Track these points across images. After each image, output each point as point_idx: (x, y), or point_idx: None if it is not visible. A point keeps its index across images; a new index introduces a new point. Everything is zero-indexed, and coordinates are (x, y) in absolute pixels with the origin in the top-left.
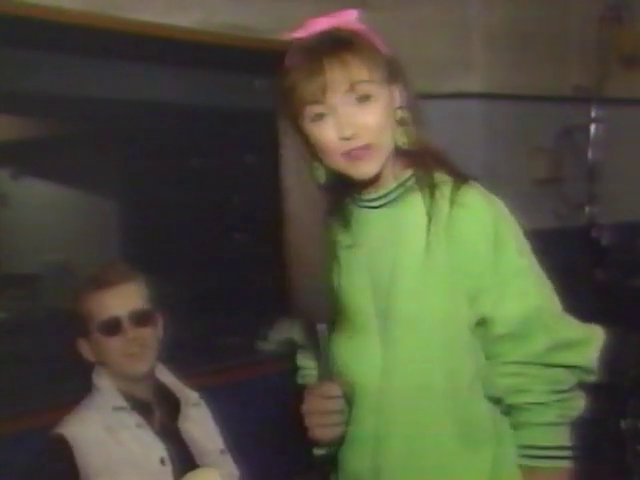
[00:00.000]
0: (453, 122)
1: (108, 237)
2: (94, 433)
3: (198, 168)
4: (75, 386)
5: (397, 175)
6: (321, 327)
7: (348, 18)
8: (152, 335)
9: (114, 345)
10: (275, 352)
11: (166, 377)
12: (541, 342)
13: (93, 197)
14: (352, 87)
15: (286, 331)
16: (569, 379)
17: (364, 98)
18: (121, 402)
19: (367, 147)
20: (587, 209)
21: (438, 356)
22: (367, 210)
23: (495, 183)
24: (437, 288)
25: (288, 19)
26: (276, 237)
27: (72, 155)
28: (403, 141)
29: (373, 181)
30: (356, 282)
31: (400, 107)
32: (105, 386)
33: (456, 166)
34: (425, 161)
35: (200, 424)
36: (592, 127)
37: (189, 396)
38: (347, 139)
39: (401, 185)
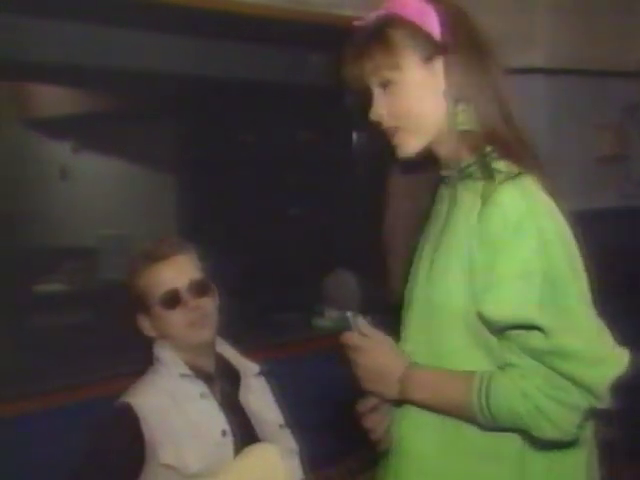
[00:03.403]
0: (516, 98)
1: (165, 211)
2: (159, 403)
3: (253, 143)
4: (134, 357)
5: (463, 157)
6: (349, 314)
7: (405, 1)
8: (211, 304)
9: (176, 317)
10: (331, 328)
11: (225, 350)
12: (538, 342)
13: (151, 171)
14: (375, 73)
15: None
16: (574, 394)
17: (387, 83)
18: (186, 370)
19: (396, 130)
20: None
21: (435, 341)
22: (442, 187)
23: (558, 161)
24: (454, 277)
25: None
26: (331, 212)
27: (132, 129)
28: (460, 122)
29: (443, 159)
30: (417, 258)
31: (453, 86)
32: (169, 356)
33: (525, 154)
34: (482, 150)
35: (260, 396)
36: None
37: (249, 368)
38: (378, 122)
39: (460, 170)
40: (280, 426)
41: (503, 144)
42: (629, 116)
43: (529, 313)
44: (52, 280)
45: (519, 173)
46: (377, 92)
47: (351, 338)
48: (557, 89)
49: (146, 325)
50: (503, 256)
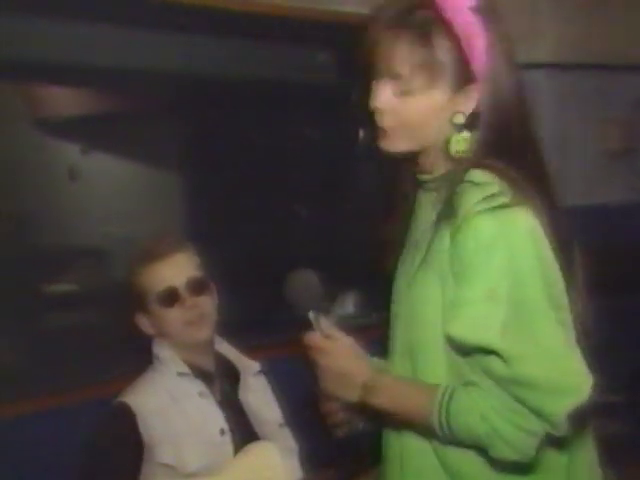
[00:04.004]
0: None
1: (173, 211)
2: (157, 402)
3: (261, 141)
4: (143, 356)
5: (442, 166)
6: (312, 314)
7: (459, 2)
8: (209, 302)
9: (174, 315)
10: (337, 326)
11: (225, 348)
12: (497, 367)
13: (160, 172)
14: (399, 76)
15: (349, 306)
16: (531, 420)
17: (405, 90)
18: (185, 369)
19: (389, 127)
20: None
21: (412, 356)
22: (420, 191)
23: (566, 155)
24: (433, 296)
25: None
26: (336, 210)
27: (139, 130)
28: (456, 149)
29: (421, 163)
30: (400, 264)
31: (461, 112)
32: (168, 355)
33: (517, 179)
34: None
35: (260, 395)
36: None
37: (249, 366)
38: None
39: (436, 179)
40: (280, 425)
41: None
42: (637, 109)
43: (490, 338)
44: (62, 280)
45: (499, 197)
46: (385, 83)
47: (313, 339)
48: (563, 83)
49: (145, 323)
50: (471, 277)
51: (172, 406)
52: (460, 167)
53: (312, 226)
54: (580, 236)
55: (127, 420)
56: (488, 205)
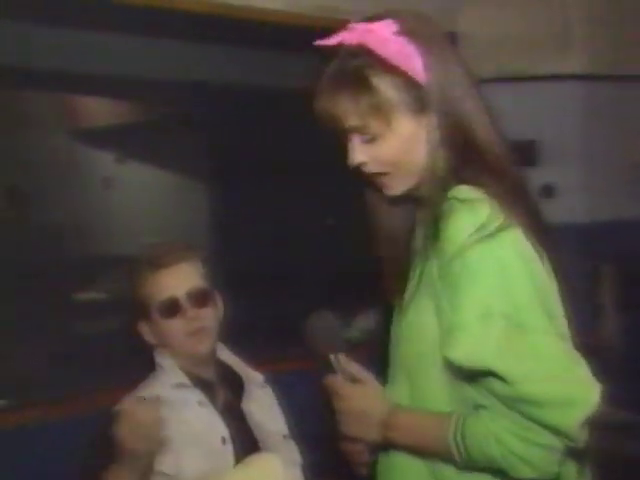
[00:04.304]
0: (550, 106)
1: (201, 220)
2: None
3: (293, 151)
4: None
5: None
6: (332, 357)
7: (382, 32)
8: (211, 315)
9: (174, 326)
10: (358, 340)
11: (229, 358)
12: (499, 388)
13: (188, 181)
14: (357, 128)
15: (371, 320)
16: (544, 435)
17: (372, 137)
18: (183, 379)
19: (381, 174)
20: None
21: (411, 382)
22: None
23: (593, 168)
24: (427, 319)
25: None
26: (366, 222)
27: (173, 140)
28: (439, 166)
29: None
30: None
31: (434, 131)
32: (168, 364)
33: (499, 185)
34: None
35: (264, 406)
36: None
37: (253, 377)
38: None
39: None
40: (284, 436)
41: (482, 172)
42: None
43: (487, 359)
44: (95, 288)
45: (490, 224)
46: (356, 139)
47: (334, 383)
48: (593, 95)
49: (147, 331)
50: (463, 300)
51: (171, 414)
52: (443, 183)
53: (341, 237)
54: (607, 251)
55: None
56: (480, 235)
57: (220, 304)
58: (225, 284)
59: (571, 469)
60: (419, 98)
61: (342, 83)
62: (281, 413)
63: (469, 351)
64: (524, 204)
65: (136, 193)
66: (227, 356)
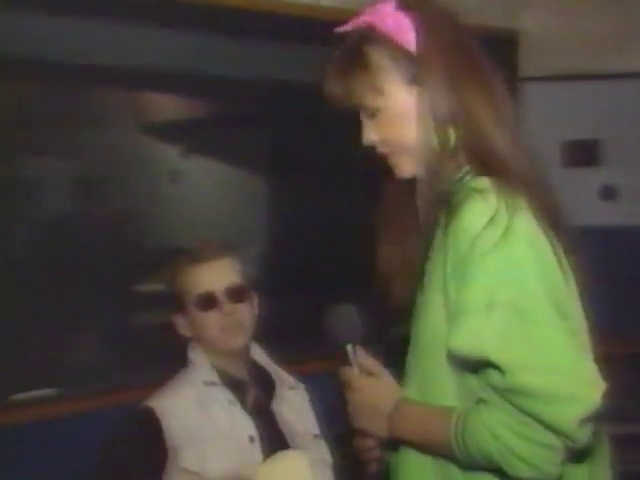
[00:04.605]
0: (613, 105)
1: (262, 215)
2: (183, 406)
3: (357, 147)
4: None
5: (450, 175)
6: (349, 347)
7: (384, 9)
8: (247, 311)
9: (210, 320)
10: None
11: (262, 358)
12: (496, 379)
13: (251, 177)
14: (359, 101)
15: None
16: (540, 431)
17: (373, 111)
18: (213, 377)
19: (390, 154)
20: None
21: (425, 382)
22: None
23: None
24: (435, 313)
25: None
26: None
27: (237, 134)
28: (431, 143)
29: None
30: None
31: (439, 107)
32: (199, 361)
33: (511, 172)
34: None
35: (294, 407)
36: None
37: (285, 379)
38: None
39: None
40: (314, 436)
41: (485, 161)
42: None
43: (485, 348)
44: (158, 280)
45: (495, 190)
46: (365, 117)
47: (348, 374)
48: None
49: (182, 325)
50: (468, 284)
51: (198, 412)
52: (437, 163)
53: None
54: None
55: (150, 424)
56: (493, 225)
57: (256, 302)
58: (284, 279)
59: (582, 471)
60: (412, 66)
61: (340, 59)
62: (313, 413)
63: (469, 339)
64: (539, 198)
65: (199, 187)
66: (260, 356)
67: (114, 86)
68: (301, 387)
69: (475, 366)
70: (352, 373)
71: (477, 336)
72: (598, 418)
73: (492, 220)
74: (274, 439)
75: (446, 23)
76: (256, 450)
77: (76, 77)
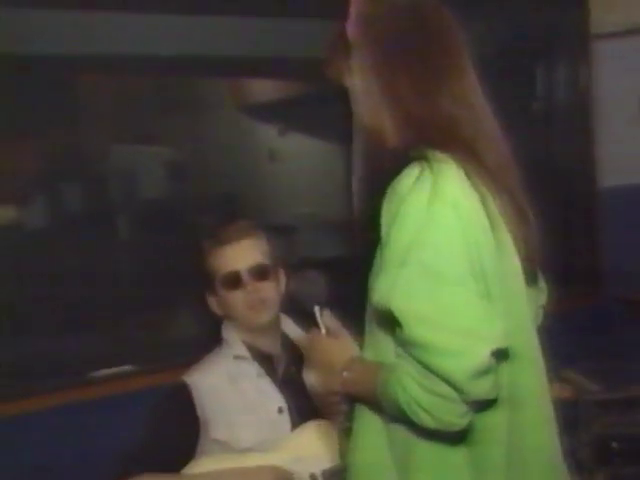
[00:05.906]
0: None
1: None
2: (215, 380)
3: None
4: None
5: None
6: (317, 308)
7: None
8: (272, 288)
9: (236, 298)
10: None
11: (292, 330)
12: (398, 331)
13: (346, 152)
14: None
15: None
16: (440, 383)
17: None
18: (243, 352)
19: None
20: None
21: (370, 336)
22: None
23: None
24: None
25: None
26: None
27: (331, 113)
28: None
29: None
30: None
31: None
32: (230, 337)
33: (446, 139)
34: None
35: None
36: None
37: None
38: None
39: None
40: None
41: (421, 136)
42: None
43: (391, 301)
44: None
45: (427, 158)
46: None
47: (314, 335)
48: None
49: (214, 304)
50: (390, 242)
51: (229, 385)
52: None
53: None
54: None
55: (182, 396)
56: (418, 185)
57: (283, 279)
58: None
59: (500, 419)
60: (348, 47)
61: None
62: None
63: (383, 294)
64: (486, 160)
65: (296, 164)
66: (292, 329)
67: (217, 74)
68: None
69: (391, 321)
70: (317, 334)
71: (388, 291)
72: (496, 373)
73: (418, 183)
74: (304, 410)
75: (395, 9)
76: (285, 421)
77: (186, 68)
